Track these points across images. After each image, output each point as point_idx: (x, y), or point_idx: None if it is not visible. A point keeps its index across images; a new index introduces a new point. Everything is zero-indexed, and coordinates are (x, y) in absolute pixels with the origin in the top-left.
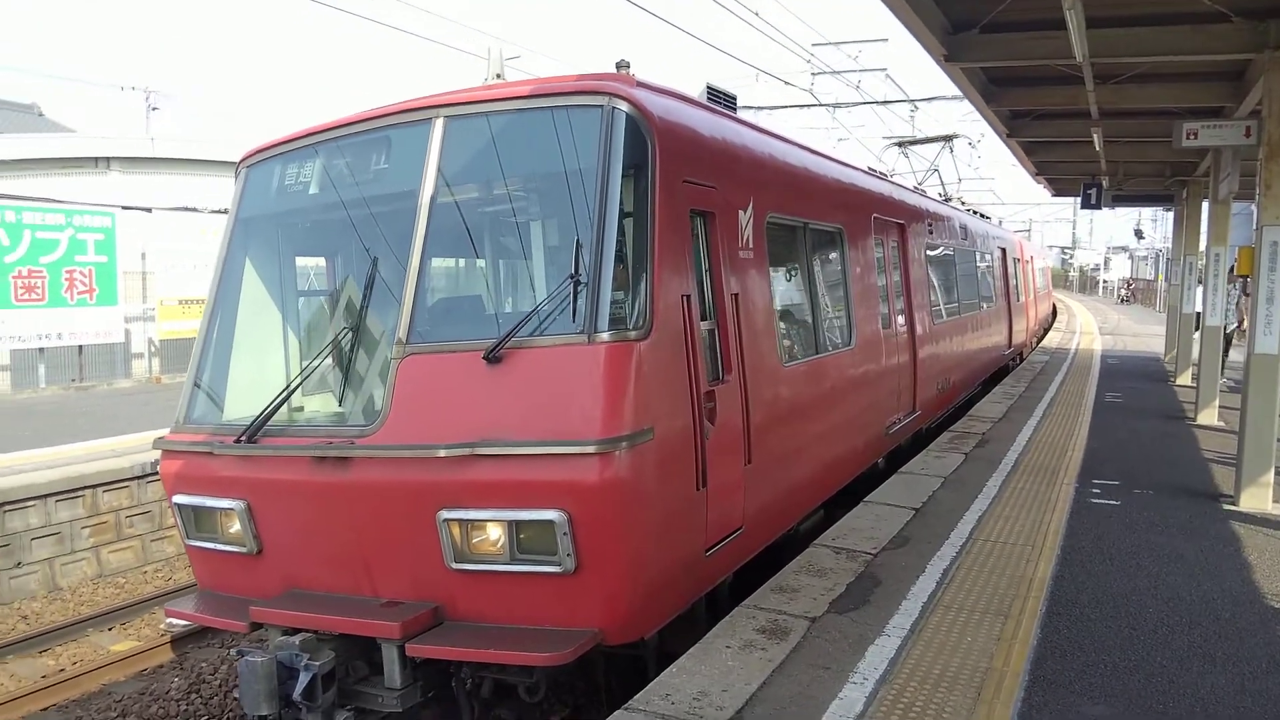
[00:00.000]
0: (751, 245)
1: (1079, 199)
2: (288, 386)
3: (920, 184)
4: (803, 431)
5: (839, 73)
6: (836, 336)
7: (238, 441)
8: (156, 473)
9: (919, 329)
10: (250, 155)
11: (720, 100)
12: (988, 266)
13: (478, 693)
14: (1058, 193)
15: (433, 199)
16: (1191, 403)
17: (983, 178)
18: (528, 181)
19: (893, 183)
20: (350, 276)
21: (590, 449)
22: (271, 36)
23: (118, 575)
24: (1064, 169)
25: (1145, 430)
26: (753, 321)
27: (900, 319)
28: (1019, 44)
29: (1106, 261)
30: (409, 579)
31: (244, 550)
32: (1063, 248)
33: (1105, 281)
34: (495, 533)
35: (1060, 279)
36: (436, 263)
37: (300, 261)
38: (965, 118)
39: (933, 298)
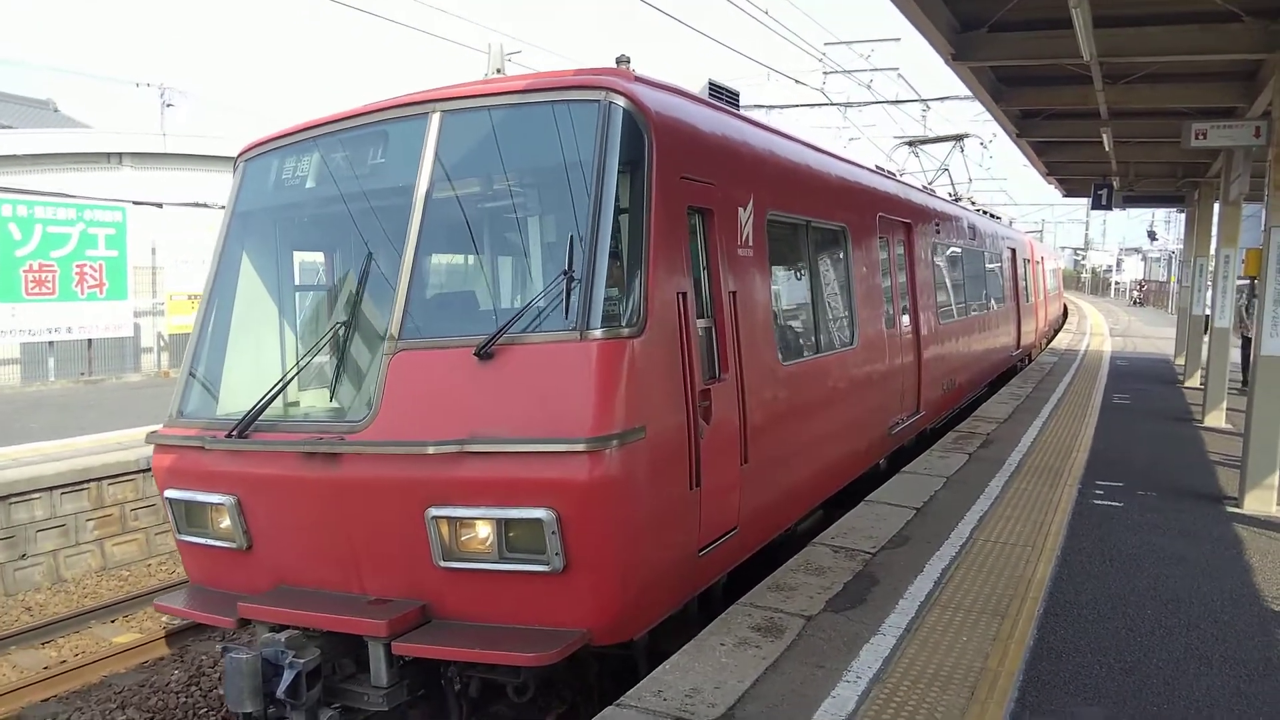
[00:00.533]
0: (751, 243)
1: (1089, 199)
2: (279, 381)
3: (930, 183)
4: (802, 431)
5: (851, 72)
6: (839, 336)
7: (229, 436)
8: None
9: (924, 329)
10: (248, 149)
11: (722, 96)
12: (996, 267)
13: (466, 692)
14: (1069, 193)
15: (428, 194)
16: (1200, 405)
17: (995, 178)
18: (523, 176)
19: (899, 181)
20: (345, 271)
21: (580, 447)
22: (287, 33)
23: (122, 568)
24: (1075, 169)
25: (1151, 432)
26: (751, 320)
27: (905, 319)
28: (1027, 43)
29: (1119, 263)
30: (397, 576)
31: (234, 546)
32: (1075, 249)
33: (1117, 283)
34: (484, 531)
35: (1072, 280)
36: (431, 258)
37: (296, 256)
38: (977, 118)
39: (939, 298)
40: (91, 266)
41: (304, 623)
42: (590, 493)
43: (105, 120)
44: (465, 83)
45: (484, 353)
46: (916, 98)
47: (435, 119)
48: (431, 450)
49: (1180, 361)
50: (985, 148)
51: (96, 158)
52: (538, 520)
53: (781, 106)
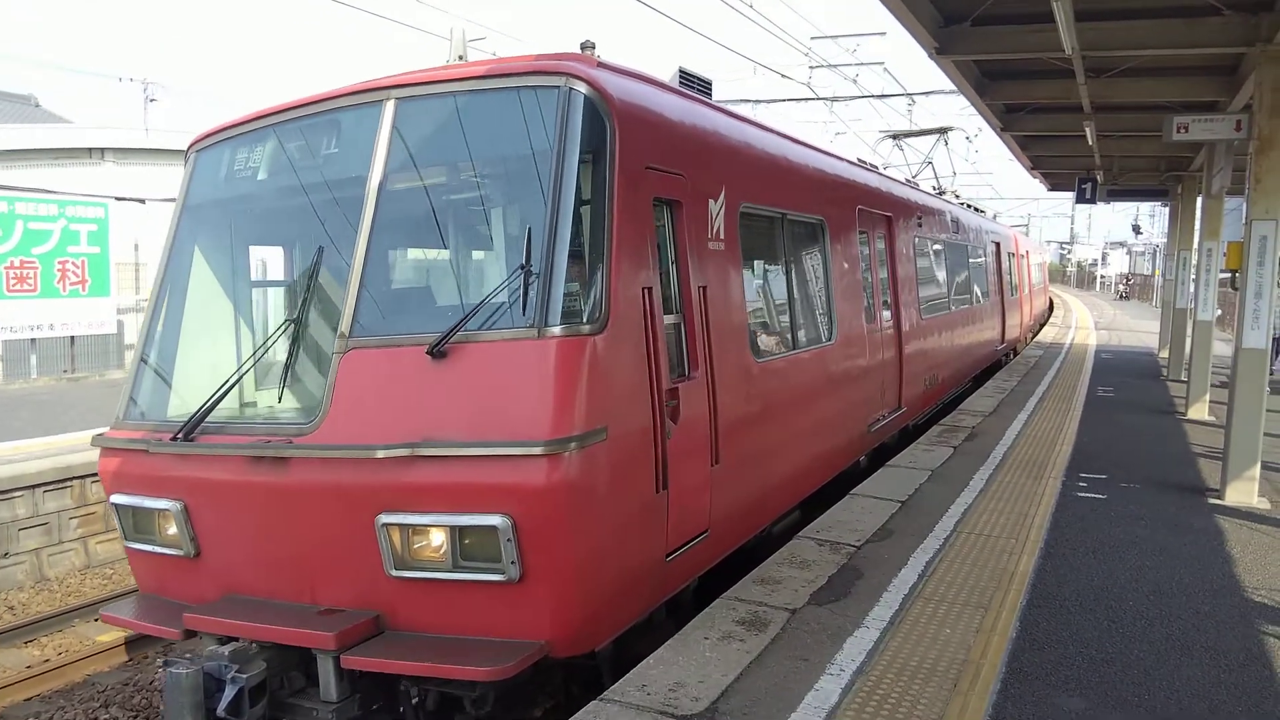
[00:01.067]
0: (723, 236)
1: (1074, 193)
2: (226, 382)
3: (914, 177)
4: (777, 430)
5: (836, 66)
6: (816, 332)
7: (174, 439)
8: None
9: (905, 324)
10: (199, 139)
11: (693, 85)
12: (980, 261)
13: (423, 705)
14: (1054, 187)
15: (381, 185)
16: (1183, 397)
17: (980, 172)
18: (480, 166)
19: (880, 174)
20: (297, 266)
21: (536, 450)
22: (275, 27)
23: (105, 566)
24: (1059, 163)
25: (1135, 425)
26: (723, 316)
27: (886, 314)
28: (1010, 37)
29: (1104, 257)
30: (349, 586)
31: (181, 553)
32: (1061, 243)
33: (1103, 277)
34: (437, 538)
35: (1058, 274)
36: (384, 252)
37: (248, 250)
38: (962, 112)
39: (921, 292)
40: (74, 263)
41: (249, 634)
42: (547, 498)
43: (87, 115)
44: (422, 69)
45: (437, 351)
46: (902, 92)
47: (389, 107)
48: (381, 454)
49: (1164, 355)
50: (970, 141)
51: (78, 153)
52: (492, 527)
53: (768, 101)
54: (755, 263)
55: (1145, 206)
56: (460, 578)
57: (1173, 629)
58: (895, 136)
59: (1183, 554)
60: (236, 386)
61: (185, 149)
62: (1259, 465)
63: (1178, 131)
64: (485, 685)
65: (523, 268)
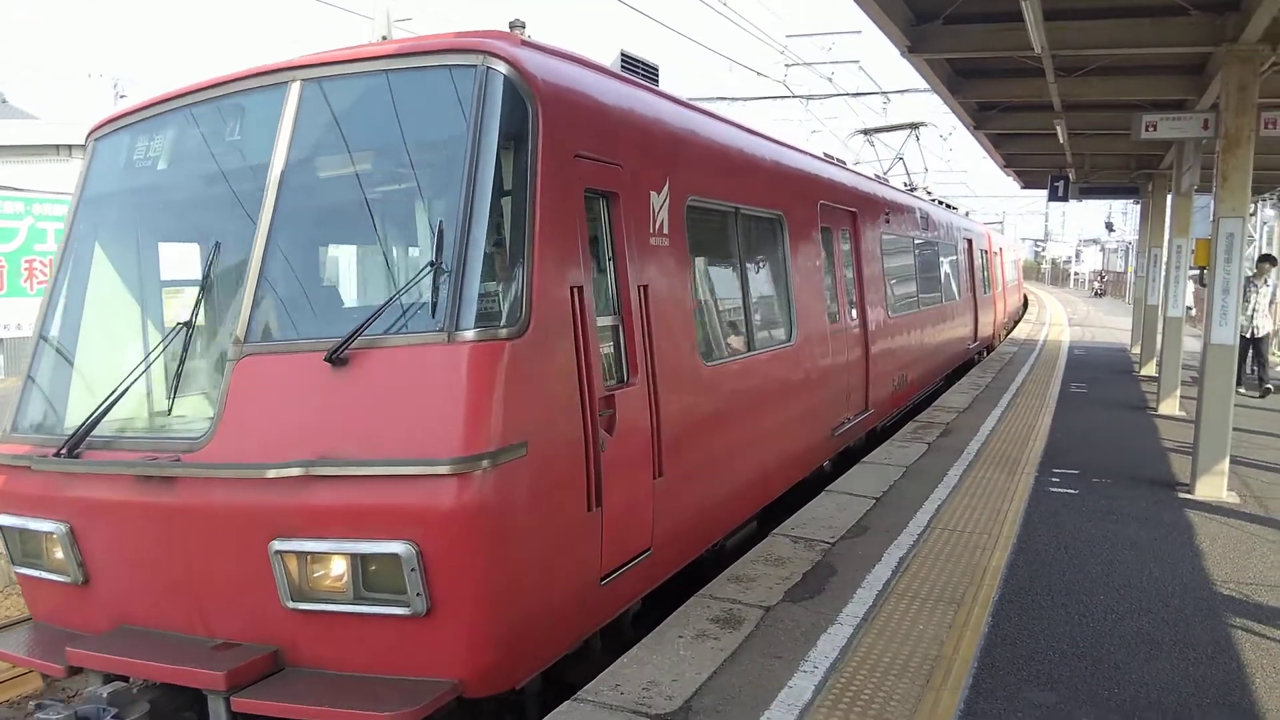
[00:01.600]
0: (667, 231)
1: (1048, 191)
2: (113, 392)
3: (885, 173)
4: (729, 438)
5: (812, 64)
6: (774, 333)
7: (57, 455)
8: None
9: (872, 324)
10: (99, 126)
11: (636, 70)
12: (952, 258)
13: None
14: (1027, 185)
15: (284, 175)
16: (1154, 393)
17: (954, 170)
18: (391, 154)
19: (845, 169)
20: (197, 264)
21: (443, 469)
22: (250, 21)
23: None
24: (1032, 161)
25: (1107, 420)
26: (667, 317)
27: (852, 313)
28: (981, 36)
29: (1078, 254)
30: (245, 618)
31: (69, 580)
32: (1035, 240)
33: (1076, 274)
34: (338, 567)
35: (1033, 271)
36: (286, 248)
37: (153, 246)
38: (936, 109)
39: (889, 290)
40: (41, 261)
41: (133, 672)
42: (455, 523)
43: (55, 112)
44: (332, 50)
45: (336, 358)
46: (877, 90)
47: (294, 89)
48: (271, 474)
49: (1136, 351)
50: (945, 140)
51: (45, 149)
52: (394, 556)
53: (745, 99)
54: (705, 260)
55: (1119, 204)
56: (363, 610)
57: (1143, 623)
58: (866, 132)
59: (1153, 548)
60: (137, 396)
61: (85, 137)
62: (1228, 460)
63: (1146, 130)
64: None
65: (432, 265)
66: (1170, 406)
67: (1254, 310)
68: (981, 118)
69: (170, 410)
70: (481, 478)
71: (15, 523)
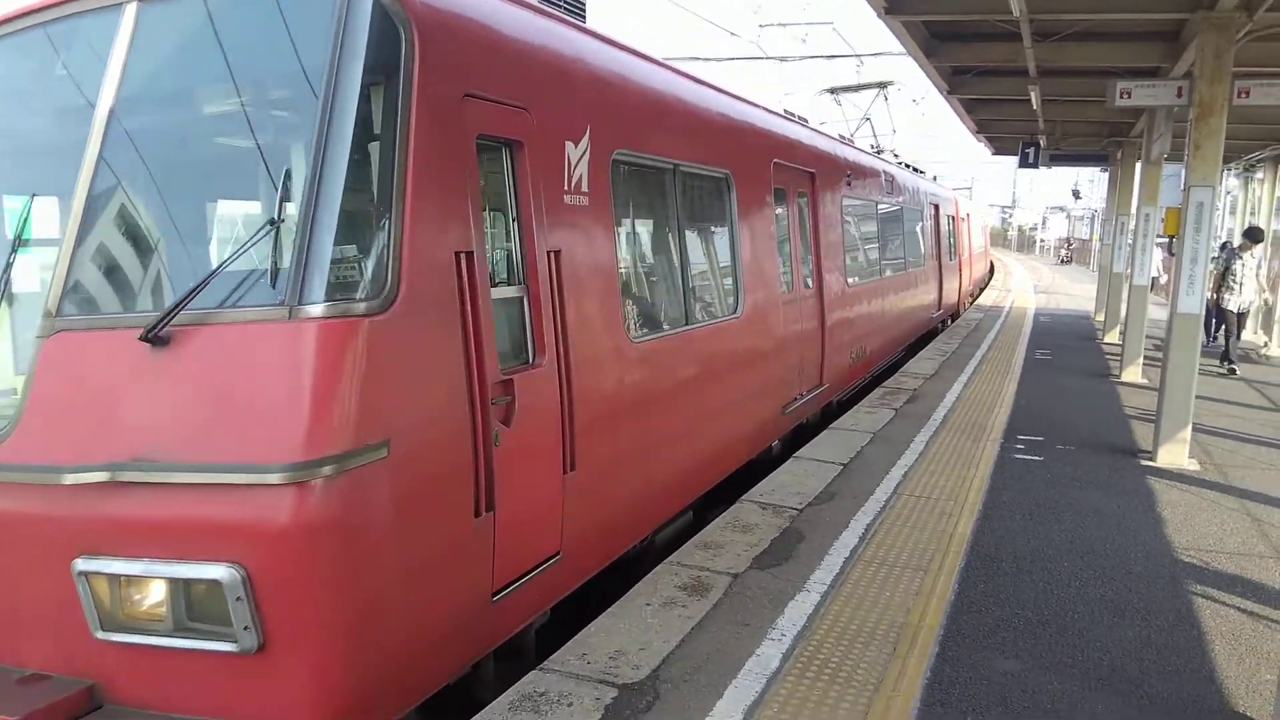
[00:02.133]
0: (587, 188)
1: (1017, 158)
2: None
3: (852, 134)
4: (661, 422)
5: (785, 25)
6: (717, 303)
7: None
8: None
9: (830, 292)
10: None
11: (555, 1)
12: (917, 223)
13: None
14: (998, 151)
15: (111, 115)
16: (1118, 360)
17: (927, 135)
18: (239, 90)
19: (804, 126)
20: (14, 221)
21: (274, 478)
22: None
23: None
24: (1003, 127)
25: (1072, 387)
26: (584, 287)
27: (808, 281)
28: None
29: (1044, 221)
30: (55, 647)
31: None
32: (1003, 207)
33: (1043, 241)
34: (157, 592)
35: (999, 237)
36: (112, 203)
37: None
38: (908, 72)
39: (850, 257)
40: None
41: None
42: (290, 542)
43: None
44: None
45: (155, 337)
46: (851, 53)
47: (129, 11)
48: (69, 479)
49: (1100, 318)
50: (916, 104)
51: None
52: (216, 582)
53: (717, 59)
54: (636, 222)
55: (1085, 172)
56: (184, 645)
57: (1106, 590)
58: (834, 91)
59: (1116, 515)
60: None
61: None
62: (1190, 428)
63: (1121, 97)
64: None
65: (273, 223)
66: (1133, 374)
67: (1240, 283)
68: (956, 82)
69: None
70: (324, 487)
71: None
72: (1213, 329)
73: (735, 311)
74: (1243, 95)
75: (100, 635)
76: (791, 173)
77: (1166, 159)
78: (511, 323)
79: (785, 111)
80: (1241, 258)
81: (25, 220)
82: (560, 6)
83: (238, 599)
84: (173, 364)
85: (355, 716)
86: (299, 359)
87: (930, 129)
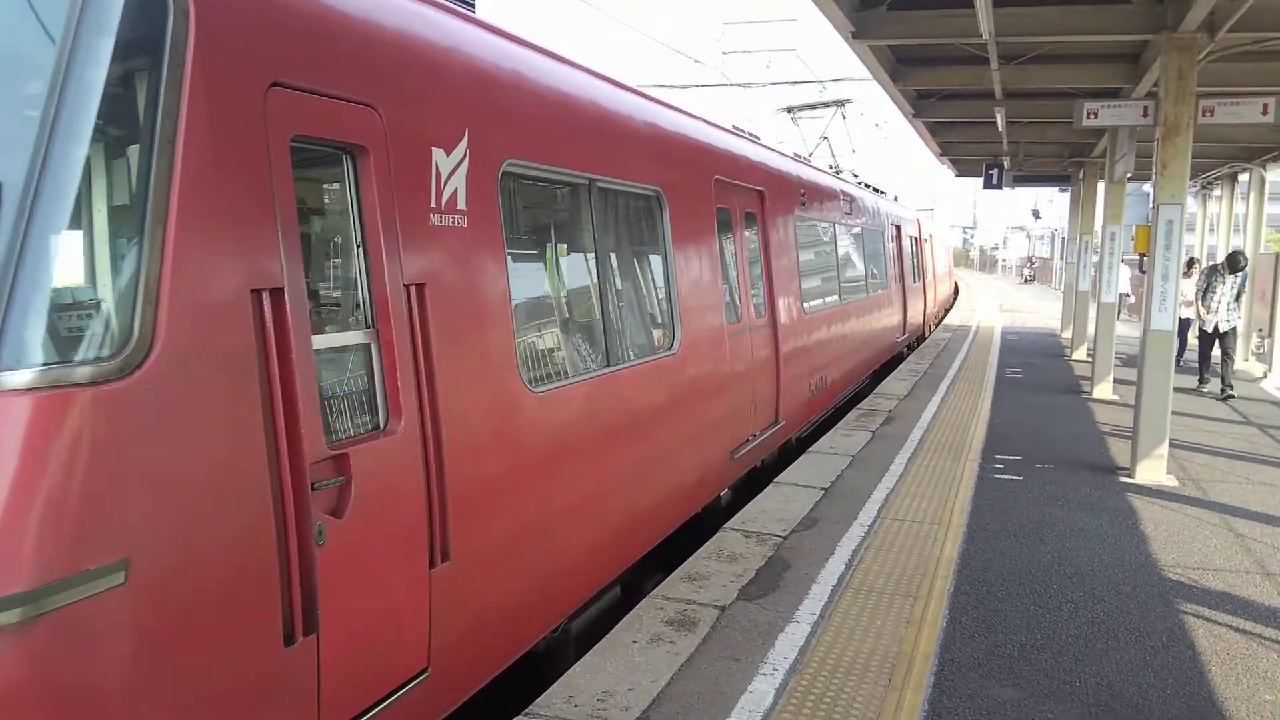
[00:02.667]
0: (465, 205)
1: (981, 179)
2: None
3: (810, 154)
4: (572, 485)
5: (749, 52)
6: (646, 339)
7: None
8: None
9: (784, 320)
10: None
11: None
12: (879, 245)
13: None
14: (961, 173)
15: None
16: (1087, 377)
17: (891, 158)
18: None
19: (754, 142)
20: None
21: None
22: None
23: None
24: (967, 150)
25: (1045, 405)
26: (461, 327)
27: (758, 309)
28: (926, 22)
29: (1005, 241)
30: None
31: None
32: (964, 227)
33: (1004, 260)
34: None
35: (961, 258)
36: None
37: None
38: (868, 96)
39: (806, 282)
40: None
41: None
42: None
43: None
44: None
45: None
46: (814, 79)
47: None
48: None
49: (1067, 335)
50: (879, 127)
51: None
52: None
53: (682, 86)
54: (538, 247)
55: (1045, 192)
56: None
57: (1097, 612)
58: (790, 110)
59: (1100, 534)
60: None
61: None
62: (1167, 444)
63: (1088, 117)
64: None
65: None
66: (1104, 390)
67: (1218, 303)
68: (920, 105)
69: None
70: (14, 638)
71: None
72: (1183, 348)
73: (671, 347)
74: (1207, 114)
75: None
76: (737, 191)
77: (1130, 177)
78: (352, 378)
79: (734, 127)
80: (1225, 278)
81: None
82: None
83: None
84: None
85: None
86: None
87: (892, 151)
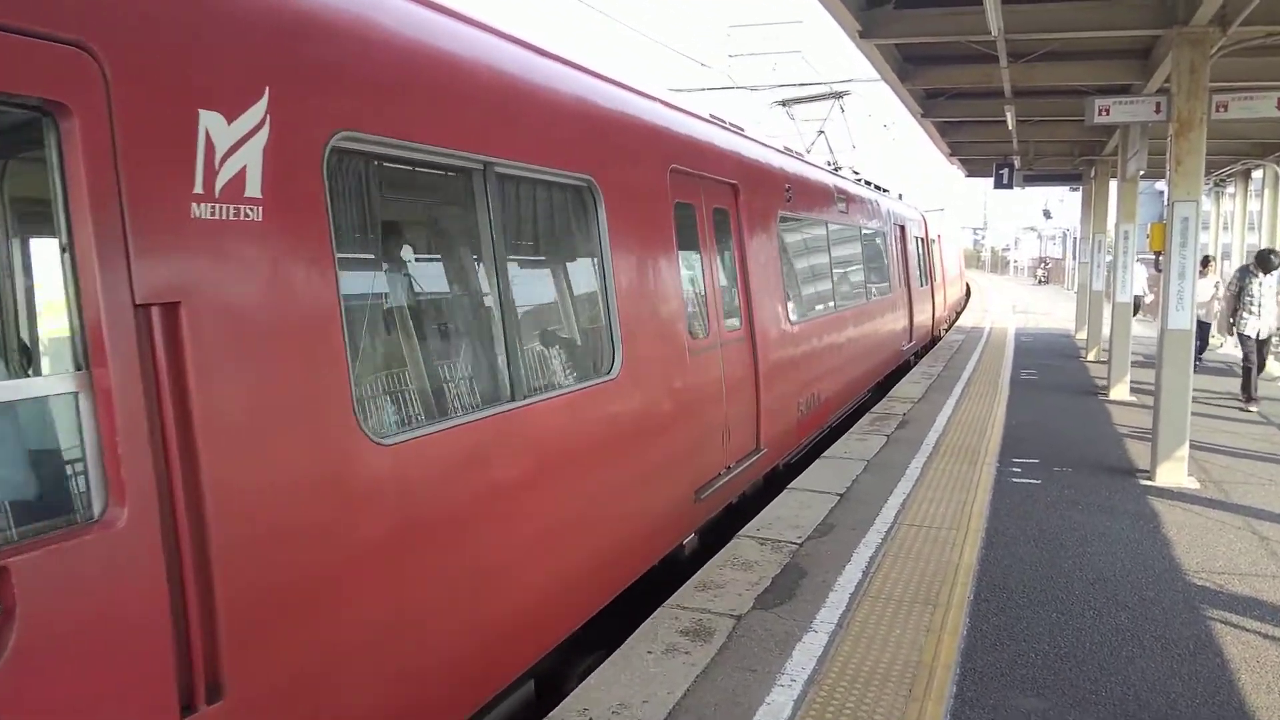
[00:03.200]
0: (258, 192)
1: (991, 180)
2: None
3: (808, 149)
4: (444, 570)
5: (755, 55)
6: (571, 363)
7: None
8: None
9: (765, 332)
10: None
11: None
12: (881, 247)
13: None
14: (971, 174)
15: None
16: (1103, 378)
17: (902, 159)
18: None
19: (728, 129)
20: None
21: None
22: None
23: None
24: (977, 149)
25: (1061, 407)
26: (243, 363)
27: (730, 321)
28: (934, 20)
29: (1016, 241)
30: None
31: None
32: (975, 228)
33: (1015, 261)
34: None
35: (973, 259)
36: None
37: None
38: (879, 98)
39: (793, 288)
40: None
41: None
42: None
43: None
44: None
45: None
46: (820, 81)
47: None
48: None
49: (1081, 336)
50: (887, 129)
51: None
52: None
53: (688, 89)
54: (398, 248)
55: (1055, 192)
56: None
57: (1121, 619)
58: (785, 104)
59: (1121, 538)
60: None
61: None
62: (1187, 445)
63: (1100, 114)
64: None
65: None
66: (1121, 391)
67: (1259, 305)
68: (929, 105)
69: None
70: None
71: None
72: (1201, 350)
73: (609, 370)
74: (1220, 109)
75: None
76: (702, 184)
77: (1143, 176)
78: (43, 448)
79: (711, 116)
80: (1259, 277)
81: None
82: None
83: None
84: None
85: None
86: None
87: (902, 153)
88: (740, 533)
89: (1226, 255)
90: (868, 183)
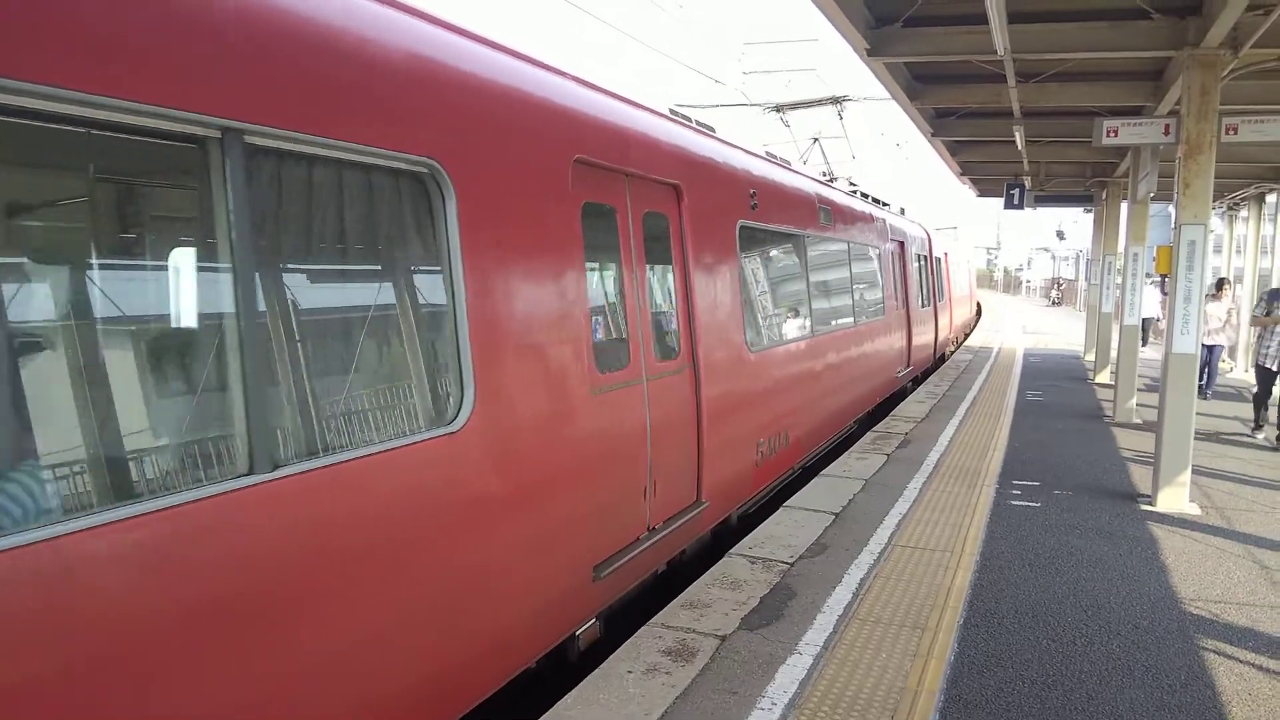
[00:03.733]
0: None
1: (1003, 200)
2: None
3: (803, 158)
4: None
5: (770, 72)
6: (381, 414)
7: None
8: None
9: (713, 363)
10: None
11: None
12: (875, 264)
13: None
14: (982, 193)
15: None
16: (1110, 401)
17: (917, 179)
18: None
19: (672, 118)
20: None
21: None
22: None
23: None
24: (988, 169)
25: (1065, 429)
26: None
27: (666, 349)
28: (941, 38)
29: (1029, 262)
30: None
31: None
32: (988, 248)
33: (1028, 282)
34: None
35: (985, 279)
36: None
37: None
38: (892, 119)
39: (757, 310)
40: None
41: None
42: None
43: None
44: None
45: None
46: (832, 98)
47: None
48: None
49: (1090, 358)
50: (900, 148)
51: None
52: None
53: (702, 106)
54: (47, 255)
55: (1069, 213)
56: None
57: (1113, 647)
58: (779, 109)
59: (1118, 565)
60: None
61: None
62: (1189, 471)
63: (1108, 135)
64: None
65: None
66: (1127, 415)
67: None
68: (939, 124)
69: None
70: None
71: None
72: (1212, 377)
73: (448, 420)
74: (1231, 132)
75: None
76: (627, 182)
77: (1152, 198)
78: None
79: (672, 111)
80: None
81: None
82: None
83: None
84: None
85: None
86: None
87: (915, 172)
88: (732, 551)
89: (1239, 279)
90: (863, 195)
